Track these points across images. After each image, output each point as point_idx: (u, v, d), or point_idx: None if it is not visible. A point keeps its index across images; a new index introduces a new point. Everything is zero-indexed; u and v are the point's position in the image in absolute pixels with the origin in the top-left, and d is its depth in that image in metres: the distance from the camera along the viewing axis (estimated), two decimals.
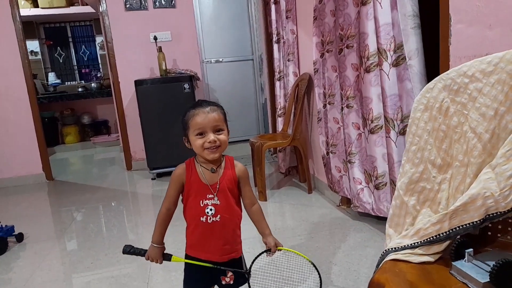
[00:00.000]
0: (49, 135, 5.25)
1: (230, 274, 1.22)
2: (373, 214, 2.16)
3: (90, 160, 5.15)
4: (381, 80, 1.91)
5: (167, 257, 1.24)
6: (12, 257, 2.29)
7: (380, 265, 1.01)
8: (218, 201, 1.18)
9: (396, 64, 1.84)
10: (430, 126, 1.04)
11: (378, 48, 1.88)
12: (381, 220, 2.21)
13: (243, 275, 1.24)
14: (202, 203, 1.17)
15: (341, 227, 2.30)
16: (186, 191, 1.20)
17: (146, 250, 1.24)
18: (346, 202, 2.55)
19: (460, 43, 1.37)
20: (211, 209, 1.17)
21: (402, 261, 0.99)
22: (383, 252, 1.06)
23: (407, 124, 1.83)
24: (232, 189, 1.20)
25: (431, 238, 0.98)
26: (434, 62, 1.94)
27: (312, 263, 1.21)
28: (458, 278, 0.91)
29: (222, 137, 1.15)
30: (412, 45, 1.71)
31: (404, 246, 1.02)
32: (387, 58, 1.85)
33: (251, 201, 1.26)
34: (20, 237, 2.48)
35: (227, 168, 1.21)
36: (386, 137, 1.96)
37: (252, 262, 1.23)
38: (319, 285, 1.22)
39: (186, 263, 1.26)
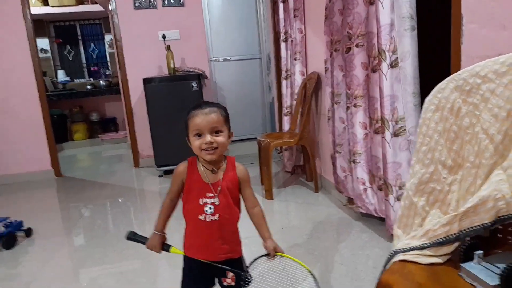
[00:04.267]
0: (58, 132, 5.30)
1: (231, 275, 1.21)
2: (375, 215, 2.15)
3: (98, 157, 5.19)
4: (379, 80, 1.91)
5: (166, 248, 1.24)
6: (20, 252, 2.32)
7: (388, 265, 1.01)
8: (218, 201, 1.18)
9: (394, 65, 1.83)
10: (441, 127, 1.03)
11: (378, 48, 1.87)
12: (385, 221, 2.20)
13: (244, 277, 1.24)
14: (201, 202, 1.18)
15: (348, 227, 2.29)
16: (186, 189, 1.21)
17: (148, 238, 1.26)
18: (353, 202, 2.54)
19: (472, 43, 1.35)
20: (210, 208, 1.17)
21: (410, 262, 0.99)
22: (391, 252, 1.05)
23: (401, 126, 1.84)
24: (232, 190, 1.20)
25: (440, 240, 0.97)
26: (429, 65, 1.92)
27: (311, 273, 1.17)
28: (467, 280, 0.90)
29: (220, 139, 1.14)
30: (405, 47, 1.70)
31: (413, 247, 1.01)
32: (385, 59, 1.84)
33: (253, 203, 1.25)
34: (28, 232, 2.51)
35: (228, 169, 1.21)
36: (382, 137, 1.95)
37: (250, 264, 1.22)
38: None
39: (184, 264, 1.27)
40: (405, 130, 1.84)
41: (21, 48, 3.74)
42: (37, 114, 3.86)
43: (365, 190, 2.19)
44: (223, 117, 1.16)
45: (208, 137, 1.13)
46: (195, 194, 1.19)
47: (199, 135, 1.14)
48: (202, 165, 1.20)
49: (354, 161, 2.24)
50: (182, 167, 1.22)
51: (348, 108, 2.22)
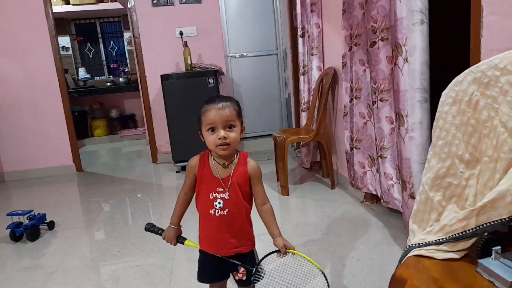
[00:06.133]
0: (79, 128, 5.42)
1: (242, 270, 1.22)
2: (401, 211, 2.12)
3: (118, 153, 5.30)
4: (395, 75, 1.88)
5: (181, 240, 1.27)
6: (44, 244, 2.40)
7: (403, 260, 1.00)
8: (228, 196, 1.18)
9: (407, 59, 1.79)
10: (458, 120, 1.01)
11: (395, 43, 1.84)
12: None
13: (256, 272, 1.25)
14: (211, 196, 1.19)
15: (365, 224, 2.27)
16: (198, 183, 1.22)
17: (164, 230, 1.30)
18: (370, 198, 2.51)
19: (493, 35, 1.32)
20: (219, 202, 1.18)
21: (426, 257, 0.98)
22: (406, 247, 1.04)
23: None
24: (242, 185, 1.20)
25: (457, 235, 0.96)
26: (438, 58, 1.87)
27: (321, 271, 1.17)
28: (484, 276, 0.88)
29: (233, 134, 1.15)
30: (412, 41, 1.66)
31: (429, 242, 1.00)
32: (401, 53, 1.81)
33: (262, 200, 1.24)
34: (51, 225, 2.59)
35: (240, 164, 1.21)
36: (397, 132, 1.92)
37: (260, 261, 1.21)
38: None
39: (200, 255, 1.29)
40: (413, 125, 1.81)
41: (44, 47, 3.84)
42: (59, 111, 3.97)
43: (392, 185, 2.17)
44: (236, 112, 1.17)
45: (222, 132, 1.13)
46: (206, 189, 1.20)
47: (212, 129, 1.15)
48: (214, 159, 1.21)
49: (381, 156, 2.22)
50: (193, 161, 1.24)
51: (374, 102, 2.19)
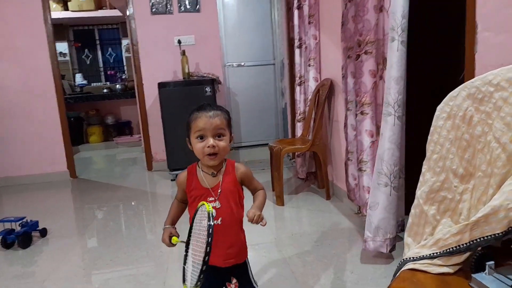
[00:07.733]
0: (74, 134, 5.41)
1: (234, 281, 1.22)
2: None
3: (113, 160, 5.27)
4: (379, 89, 1.92)
5: (169, 239, 1.17)
6: (36, 251, 2.37)
7: (398, 274, 1.00)
8: (219, 204, 1.18)
9: None
10: (452, 135, 1.03)
11: (382, 56, 1.87)
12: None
13: (248, 283, 1.25)
14: None
15: (359, 235, 2.26)
16: (189, 197, 1.22)
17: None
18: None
19: (487, 51, 1.34)
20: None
21: (420, 271, 0.98)
22: (401, 261, 1.04)
23: None
24: (233, 192, 1.20)
25: (451, 249, 0.96)
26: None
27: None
28: None
29: (222, 143, 1.15)
30: (388, 56, 1.71)
31: (423, 256, 1.00)
32: (386, 67, 1.85)
33: (259, 188, 1.26)
34: (44, 232, 2.56)
35: (228, 171, 1.21)
36: (377, 146, 1.95)
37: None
38: None
39: None
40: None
41: (41, 52, 3.84)
42: (54, 116, 3.95)
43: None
44: (226, 121, 1.17)
45: (211, 141, 1.13)
46: (198, 200, 1.19)
47: (201, 137, 1.15)
48: (202, 170, 1.21)
49: (360, 169, 2.22)
50: (181, 177, 1.24)
51: (356, 115, 2.22)
